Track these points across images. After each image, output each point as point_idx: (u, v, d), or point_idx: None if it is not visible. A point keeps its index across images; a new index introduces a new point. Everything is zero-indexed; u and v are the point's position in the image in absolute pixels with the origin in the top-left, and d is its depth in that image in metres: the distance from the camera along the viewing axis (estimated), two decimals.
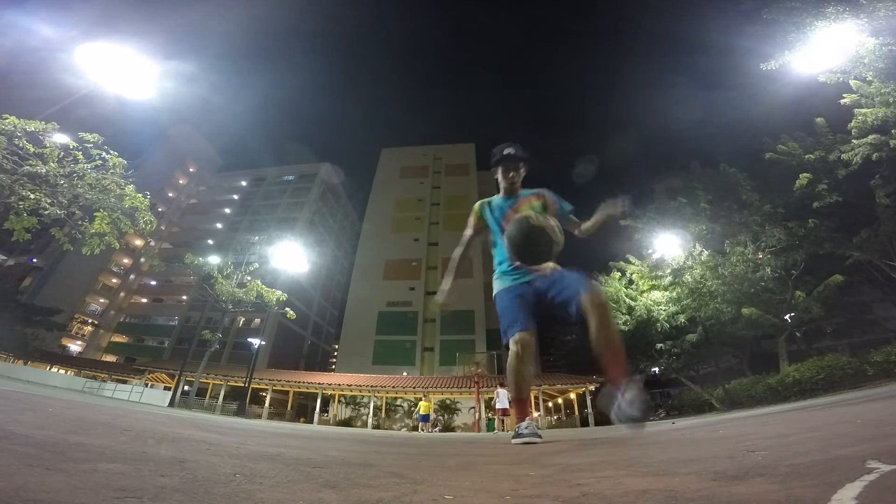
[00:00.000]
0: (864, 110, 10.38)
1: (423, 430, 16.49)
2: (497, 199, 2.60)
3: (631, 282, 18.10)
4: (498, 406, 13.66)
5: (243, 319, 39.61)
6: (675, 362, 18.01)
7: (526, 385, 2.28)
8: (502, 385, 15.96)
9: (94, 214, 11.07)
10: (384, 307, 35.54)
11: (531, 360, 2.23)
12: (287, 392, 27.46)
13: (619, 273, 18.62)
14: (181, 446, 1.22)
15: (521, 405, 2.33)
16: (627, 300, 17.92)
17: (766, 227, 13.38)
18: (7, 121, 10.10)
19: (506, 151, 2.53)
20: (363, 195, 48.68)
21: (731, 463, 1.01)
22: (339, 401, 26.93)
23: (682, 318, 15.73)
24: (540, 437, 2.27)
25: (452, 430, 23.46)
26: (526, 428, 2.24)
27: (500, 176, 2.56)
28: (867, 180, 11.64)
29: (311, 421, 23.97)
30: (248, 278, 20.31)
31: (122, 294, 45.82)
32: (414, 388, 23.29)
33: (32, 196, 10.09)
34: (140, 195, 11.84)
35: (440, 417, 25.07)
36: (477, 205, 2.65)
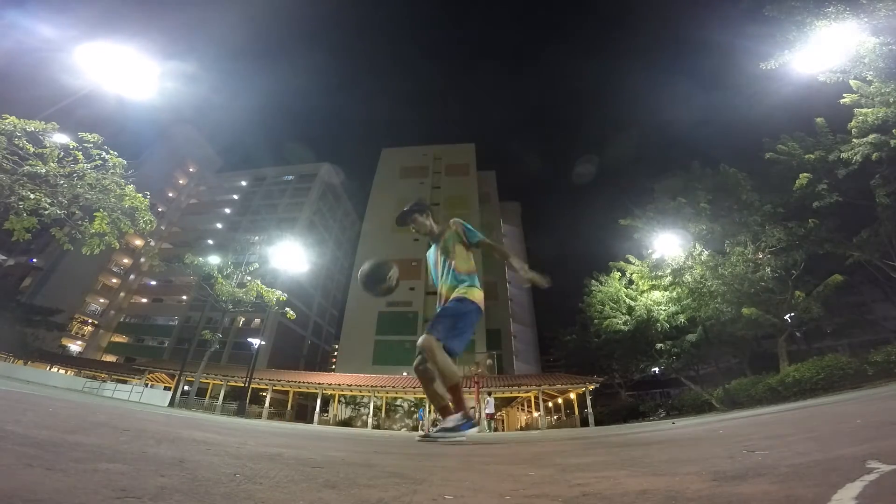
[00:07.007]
0: (864, 110, 10.39)
1: None
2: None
3: (631, 282, 18.10)
4: (486, 411, 15.16)
5: (243, 319, 39.61)
6: (675, 362, 18.03)
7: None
8: (490, 394, 17.34)
9: (94, 214, 11.06)
10: (384, 307, 35.47)
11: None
12: (287, 392, 27.44)
13: (619, 273, 18.63)
14: (181, 446, 1.22)
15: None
16: (627, 300, 17.95)
17: (766, 227, 13.37)
18: (7, 121, 10.08)
19: (402, 211, 2.95)
20: (363, 195, 48.63)
21: (731, 463, 1.01)
22: (339, 401, 26.91)
23: (682, 318, 15.73)
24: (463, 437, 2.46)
25: None
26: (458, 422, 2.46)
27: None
28: (867, 180, 11.64)
29: (294, 420, 24.03)
30: (248, 278, 20.29)
31: (122, 294, 45.82)
32: (414, 388, 23.24)
33: (32, 196, 10.08)
34: (140, 195, 11.83)
35: (439, 417, 25.02)
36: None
